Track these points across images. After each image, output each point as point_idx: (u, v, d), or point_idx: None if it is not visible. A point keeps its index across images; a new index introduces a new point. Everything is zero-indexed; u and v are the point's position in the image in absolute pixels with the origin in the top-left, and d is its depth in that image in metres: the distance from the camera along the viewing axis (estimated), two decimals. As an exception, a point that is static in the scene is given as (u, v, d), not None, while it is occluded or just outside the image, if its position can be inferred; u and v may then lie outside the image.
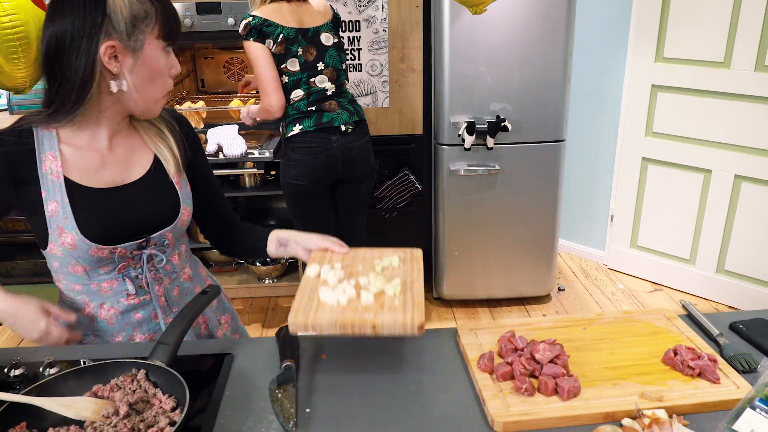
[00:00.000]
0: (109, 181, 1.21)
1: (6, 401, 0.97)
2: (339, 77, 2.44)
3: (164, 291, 1.32)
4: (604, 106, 3.36)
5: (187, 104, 2.93)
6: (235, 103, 3.00)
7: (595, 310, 3.16)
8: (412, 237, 3.21)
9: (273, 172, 2.99)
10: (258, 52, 2.28)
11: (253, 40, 2.28)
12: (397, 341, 1.24)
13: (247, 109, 2.59)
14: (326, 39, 2.39)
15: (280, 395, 1.07)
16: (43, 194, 1.15)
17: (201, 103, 2.94)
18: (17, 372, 1.13)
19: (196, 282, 1.42)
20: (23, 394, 1.00)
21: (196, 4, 2.78)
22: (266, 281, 3.32)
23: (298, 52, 2.32)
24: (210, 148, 2.69)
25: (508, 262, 3.14)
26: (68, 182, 1.17)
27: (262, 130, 3.08)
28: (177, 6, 2.77)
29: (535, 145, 2.94)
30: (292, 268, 3.38)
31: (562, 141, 2.95)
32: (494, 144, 2.87)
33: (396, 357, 1.19)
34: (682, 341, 1.17)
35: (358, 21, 2.83)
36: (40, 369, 1.13)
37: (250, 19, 2.27)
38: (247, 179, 3.17)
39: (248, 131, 2.97)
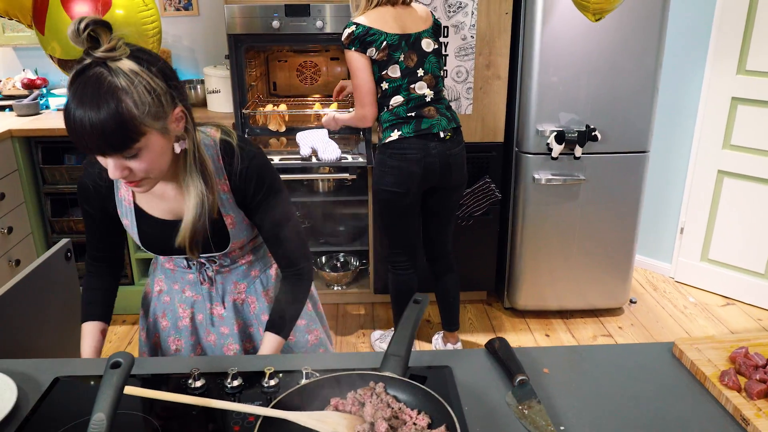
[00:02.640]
0: (167, 211, 1.33)
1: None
2: (437, 84, 2.40)
3: (213, 271, 1.45)
4: (678, 118, 3.34)
5: (270, 107, 2.88)
6: (317, 107, 2.95)
7: (671, 324, 3.12)
8: (485, 246, 3.16)
9: (353, 177, 2.93)
10: (359, 63, 2.25)
11: (355, 50, 2.24)
12: (607, 354, 1.20)
13: (333, 115, 2.55)
14: (427, 45, 2.35)
15: (526, 412, 1.01)
16: (119, 212, 1.36)
17: (283, 107, 2.89)
18: (198, 383, 1.07)
19: (256, 266, 1.50)
20: (272, 407, 0.94)
21: (285, 6, 2.73)
22: (335, 287, 3.26)
23: (400, 58, 2.28)
24: (303, 151, 2.64)
25: (583, 273, 3.10)
26: (137, 208, 1.34)
27: (349, 134, 3.03)
28: (265, 7, 2.73)
29: (620, 155, 2.90)
30: (362, 275, 3.32)
31: (646, 152, 2.92)
32: (581, 153, 2.84)
33: (614, 369, 1.15)
34: None
35: (447, 27, 2.79)
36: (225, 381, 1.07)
37: (354, 28, 2.22)
38: (320, 184, 3.12)
39: (336, 135, 2.92)
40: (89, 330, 1.39)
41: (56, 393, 1.08)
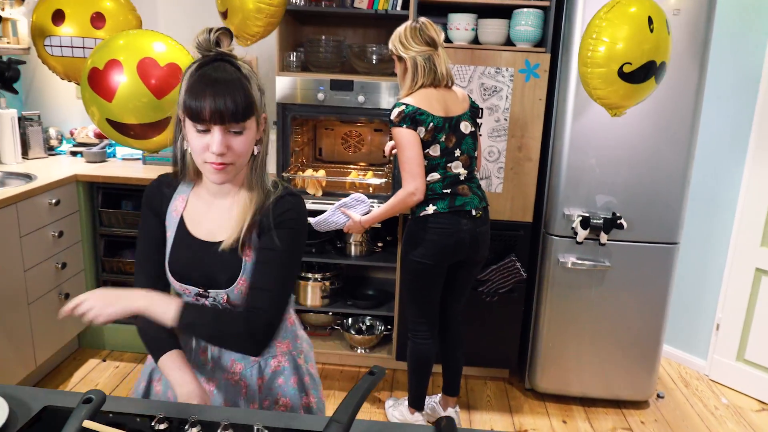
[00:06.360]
0: (204, 233, 1.40)
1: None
2: (471, 164, 2.52)
3: None
4: (716, 212, 3.30)
5: (309, 172, 3.06)
6: (353, 175, 3.11)
7: (698, 424, 3.00)
8: (509, 323, 3.18)
9: (381, 244, 3.05)
10: (410, 138, 2.34)
11: (406, 127, 2.34)
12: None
13: (359, 220, 2.60)
14: (465, 128, 2.47)
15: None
16: (167, 224, 1.43)
17: (322, 172, 3.07)
18: (161, 426, 1.17)
19: None
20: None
21: (330, 80, 2.94)
22: (359, 350, 3.33)
23: (441, 138, 2.41)
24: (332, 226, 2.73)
25: (607, 362, 3.05)
26: (181, 222, 1.41)
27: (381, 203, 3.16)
28: (312, 80, 2.95)
29: (648, 245, 2.90)
30: (386, 340, 3.39)
31: (675, 244, 2.90)
32: (607, 240, 2.85)
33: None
34: None
35: (482, 108, 2.91)
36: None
37: (404, 107, 2.35)
38: (353, 248, 3.24)
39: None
40: (171, 361, 1.36)
41: (43, 420, 1.21)
